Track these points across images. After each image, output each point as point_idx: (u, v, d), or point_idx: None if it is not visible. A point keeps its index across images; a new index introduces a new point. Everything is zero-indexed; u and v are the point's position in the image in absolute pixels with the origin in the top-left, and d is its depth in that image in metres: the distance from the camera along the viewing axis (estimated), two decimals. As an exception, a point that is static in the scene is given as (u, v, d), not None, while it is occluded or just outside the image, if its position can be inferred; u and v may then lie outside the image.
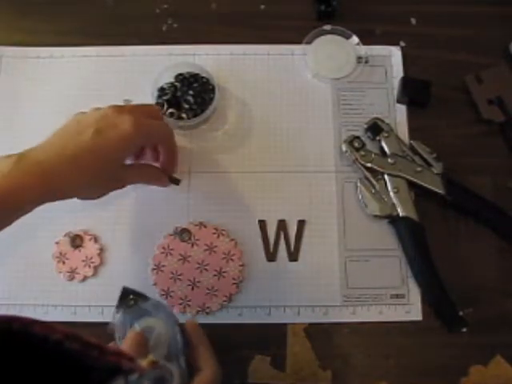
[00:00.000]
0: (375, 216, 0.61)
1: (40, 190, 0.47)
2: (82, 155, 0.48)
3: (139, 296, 0.50)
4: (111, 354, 0.26)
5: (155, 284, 0.60)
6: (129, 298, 0.50)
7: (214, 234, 0.61)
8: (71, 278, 0.60)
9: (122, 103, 0.67)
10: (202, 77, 0.66)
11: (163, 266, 0.60)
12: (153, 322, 0.49)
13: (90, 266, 0.60)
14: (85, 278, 0.60)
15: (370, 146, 0.64)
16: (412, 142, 0.64)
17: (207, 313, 0.59)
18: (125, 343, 0.46)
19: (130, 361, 0.26)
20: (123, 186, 0.57)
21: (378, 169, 0.62)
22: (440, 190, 0.61)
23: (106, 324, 0.58)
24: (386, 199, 0.61)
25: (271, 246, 0.62)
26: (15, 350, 0.25)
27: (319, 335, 0.59)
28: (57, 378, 0.25)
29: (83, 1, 0.73)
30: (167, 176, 0.60)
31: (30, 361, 0.25)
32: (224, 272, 0.60)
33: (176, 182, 0.62)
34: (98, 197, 0.55)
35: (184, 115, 0.64)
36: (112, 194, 0.61)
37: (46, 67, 0.69)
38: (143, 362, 0.27)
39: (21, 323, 0.25)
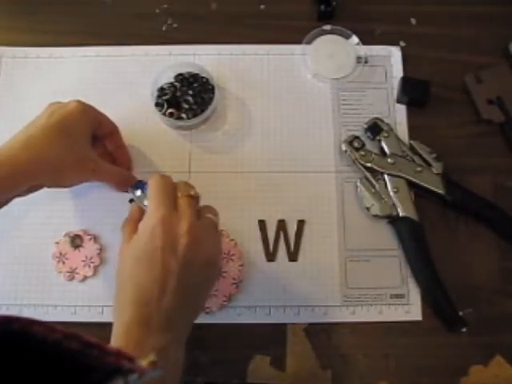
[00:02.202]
0: (375, 216, 0.61)
1: (7, 179, 0.50)
2: (36, 134, 0.52)
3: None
4: (111, 354, 0.26)
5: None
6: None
7: (214, 234, 0.61)
8: (71, 278, 0.60)
9: (121, 103, 0.67)
10: (202, 77, 0.66)
11: (163, 266, 0.60)
12: None
13: (89, 266, 0.60)
14: (85, 278, 0.60)
15: (369, 145, 0.64)
16: (412, 141, 0.64)
17: (207, 313, 0.59)
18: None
19: (130, 361, 0.26)
20: (94, 174, 0.57)
21: (378, 169, 0.62)
22: (440, 190, 0.61)
23: (106, 324, 0.59)
24: (386, 199, 0.61)
25: (271, 246, 0.62)
26: (14, 350, 0.25)
27: (319, 335, 0.59)
28: (56, 378, 0.25)
29: (83, 1, 0.73)
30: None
31: (30, 361, 0.25)
32: (224, 272, 0.60)
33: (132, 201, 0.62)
34: (68, 183, 0.57)
35: (184, 115, 0.64)
36: (111, 193, 0.62)
37: (46, 67, 0.69)
38: (143, 362, 0.27)
39: (20, 323, 0.25)
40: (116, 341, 0.43)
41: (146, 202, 0.53)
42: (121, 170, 0.61)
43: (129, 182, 0.61)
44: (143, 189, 0.56)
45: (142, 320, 0.43)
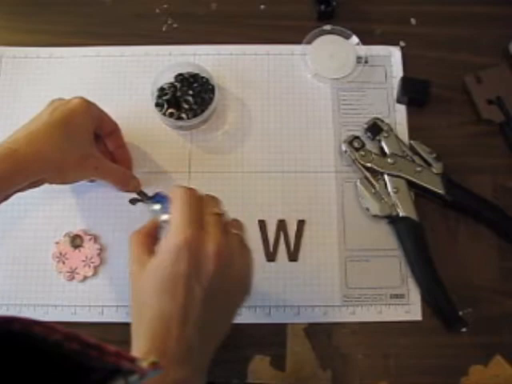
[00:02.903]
0: (375, 216, 0.61)
1: (8, 175, 0.49)
2: (39, 129, 0.52)
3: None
4: (111, 355, 0.26)
5: (155, 284, 0.60)
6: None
7: (214, 234, 0.61)
8: (71, 278, 0.60)
9: (121, 103, 0.67)
10: (202, 77, 0.66)
11: (163, 266, 0.60)
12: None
13: (89, 266, 0.60)
14: (85, 278, 0.60)
15: (369, 145, 0.64)
16: (412, 141, 0.64)
17: (207, 313, 0.59)
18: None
19: (130, 361, 0.26)
20: (96, 171, 0.57)
21: (378, 169, 0.62)
22: (440, 190, 0.61)
23: (106, 324, 0.59)
24: (385, 199, 0.61)
25: (271, 246, 0.62)
26: (15, 350, 0.25)
27: (319, 335, 0.59)
28: (56, 378, 0.25)
29: (83, 1, 0.73)
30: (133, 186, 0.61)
31: (30, 361, 0.25)
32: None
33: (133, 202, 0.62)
34: (70, 180, 0.57)
35: (184, 115, 0.64)
36: (112, 193, 0.62)
37: (46, 67, 0.69)
38: (144, 363, 0.27)
39: (21, 324, 0.25)
40: None
41: (164, 217, 0.49)
42: (123, 168, 0.61)
43: (130, 182, 0.61)
44: (162, 202, 0.52)
45: (160, 351, 0.40)
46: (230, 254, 0.45)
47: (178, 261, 0.42)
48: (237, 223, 0.49)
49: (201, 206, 0.46)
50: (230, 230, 0.47)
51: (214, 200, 0.48)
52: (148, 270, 0.44)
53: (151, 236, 0.48)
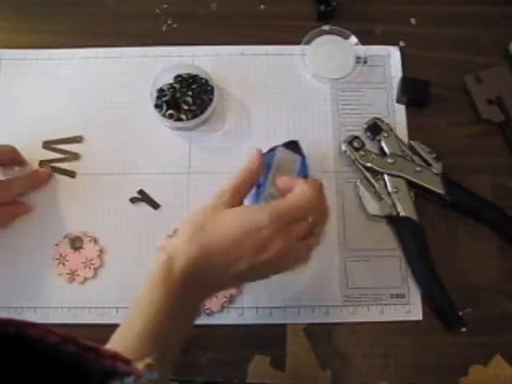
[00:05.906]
0: (375, 216, 0.61)
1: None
2: None
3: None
4: (107, 357, 0.26)
5: (155, 285, 0.60)
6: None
7: (214, 234, 0.61)
8: (71, 280, 0.60)
9: (120, 104, 0.67)
10: (201, 78, 0.66)
11: (163, 266, 0.60)
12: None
13: (90, 268, 0.60)
14: (85, 280, 0.60)
15: (369, 145, 0.64)
16: (411, 141, 0.64)
17: (208, 314, 0.59)
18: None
19: (126, 363, 0.26)
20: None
21: (378, 169, 0.62)
22: (440, 190, 0.61)
23: (106, 326, 0.59)
24: (385, 199, 0.61)
25: (271, 247, 0.62)
26: (11, 352, 0.25)
27: (319, 335, 0.59)
28: (53, 380, 0.25)
29: (83, 1, 0.73)
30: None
31: (26, 364, 0.25)
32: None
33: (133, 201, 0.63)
34: None
35: (183, 116, 0.64)
36: (112, 194, 0.62)
37: (45, 69, 0.69)
38: (139, 365, 0.27)
39: (17, 326, 0.25)
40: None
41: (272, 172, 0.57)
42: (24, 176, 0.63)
43: (35, 178, 0.63)
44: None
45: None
46: (287, 257, 0.49)
47: (247, 238, 0.46)
48: (316, 239, 0.52)
49: (308, 209, 0.49)
50: (308, 238, 0.50)
51: (318, 212, 0.51)
52: (219, 220, 0.48)
53: (238, 192, 0.52)
